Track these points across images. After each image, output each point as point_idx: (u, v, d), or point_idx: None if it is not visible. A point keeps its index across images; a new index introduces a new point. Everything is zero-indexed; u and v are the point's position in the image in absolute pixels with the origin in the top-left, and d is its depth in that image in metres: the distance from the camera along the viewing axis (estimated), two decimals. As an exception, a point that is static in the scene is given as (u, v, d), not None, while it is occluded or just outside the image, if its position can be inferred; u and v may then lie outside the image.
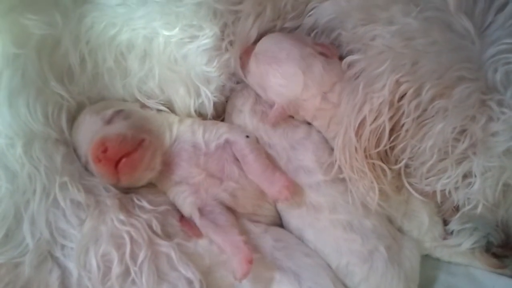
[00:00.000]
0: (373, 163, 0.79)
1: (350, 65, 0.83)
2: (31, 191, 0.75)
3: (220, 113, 0.95)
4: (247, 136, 0.87)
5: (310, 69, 0.85)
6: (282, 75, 0.85)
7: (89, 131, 0.81)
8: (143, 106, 0.88)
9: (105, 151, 0.76)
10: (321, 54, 0.87)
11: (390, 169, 0.80)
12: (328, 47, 0.89)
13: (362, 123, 0.78)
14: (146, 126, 0.84)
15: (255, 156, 0.84)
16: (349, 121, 0.79)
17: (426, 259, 0.90)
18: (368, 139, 0.77)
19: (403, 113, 0.75)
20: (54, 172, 0.77)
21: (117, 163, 0.77)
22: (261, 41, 0.89)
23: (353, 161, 0.79)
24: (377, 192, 0.80)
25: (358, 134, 0.78)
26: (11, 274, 0.72)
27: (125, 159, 0.77)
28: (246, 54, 0.90)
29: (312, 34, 0.91)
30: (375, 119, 0.76)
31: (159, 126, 0.86)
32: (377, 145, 0.78)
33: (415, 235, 0.89)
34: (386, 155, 0.80)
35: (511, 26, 0.74)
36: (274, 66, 0.86)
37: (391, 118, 0.76)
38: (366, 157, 0.79)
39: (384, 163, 0.79)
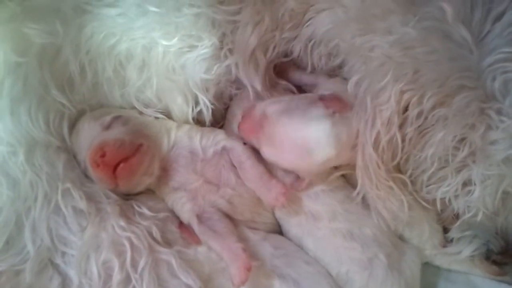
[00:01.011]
0: (393, 177, 0.78)
1: (356, 85, 0.81)
2: (32, 198, 0.75)
3: (219, 120, 0.95)
4: (245, 143, 0.86)
5: (338, 140, 0.79)
6: (316, 163, 0.80)
7: (88, 137, 0.81)
8: (142, 113, 0.89)
9: (103, 156, 0.76)
10: (335, 112, 0.81)
11: (409, 179, 0.79)
12: (337, 99, 0.83)
13: (377, 138, 0.76)
14: (144, 131, 0.84)
15: (252, 162, 0.84)
16: (365, 138, 0.77)
17: (426, 266, 0.90)
18: (385, 153, 0.76)
19: (407, 122, 0.75)
20: (56, 179, 0.77)
21: (115, 168, 0.77)
22: (275, 131, 0.81)
23: (378, 178, 0.78)
24: (406, 204, 0.78)
25: (376, 149, 0.77)
26: (12, 282, 0.72)
27: (123, 164, 0.77)
28: (252, 132, 0.84)
29: (310, 44, 0.91)
30: (388, 131, 0.75)
31: (157, 131, 0.86)
32: (394, 157, 0.77)
33: (415, 243, 0.89)
34: (399, 167, 0.79)
35: (509, 35, 0.74)
36: (308, 159, 0.79)
37: (400, 128, 0.76)
38: (388, 171, 0.78)
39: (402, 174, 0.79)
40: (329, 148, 0.79)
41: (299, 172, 0.84)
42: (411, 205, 0.83)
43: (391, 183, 0.78)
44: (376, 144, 0.77)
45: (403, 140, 0.76)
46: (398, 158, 0.77)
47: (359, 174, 0.80)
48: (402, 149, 0.77)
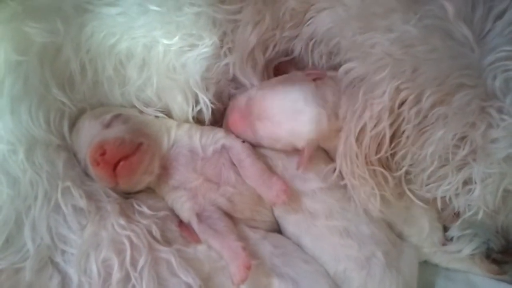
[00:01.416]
0: (374, 170, 0.79)
1: (347, 72, 0.83)
2: (32, 196, 0.75)
3: (218, 119, 0.95)
4: (243, 141, 0.87)
5: (324, 99, 0.84)
6: (310, 122, 0.82)
7: (88, 135, 0.81)
8: (142, 111, 0.89)
9: (103, 154, 0.76)
10: (315, 80, 0.87)
11: (391, 175, 0.80)
12: (315, 70, 0.90)
13: (362, 130, 0.78)
14: (144, 130, 0.84)
15: (252, 160, 0.84)
16: (350, 128, 0.80)
17: (425, 265, 0.90)
18: (369, 146, 0.78)
19: (403, 119, 0.75)
20: (56, 178, 0.77)
21: (115, 166, 0.77)
22: (262, 105, 0.85)
23: (354, 168, 0.79)
24: (378, 198, 0.80)
25: (358, 140, 0.79)
26: (11, 280, 0.72)
27: (123, 162, 0.77)
28: (241, 121, 0.87)
29: (311, 43, 0.91)
30: (375, 126, 0.76)
31: (157, 130, 0.87)
32: (378, 151, 0.78)
33: (414, 241, 0.89)
34: (388, 162, 0.80)
35: (510, 33, 0.74)
36: (299, 118, 0.82)
37: (391, 124, 0.76)
38: (367, 163, 0.79)
39: (385, 169, 0.80)
40: (316, 107, 0.83)
41: (297, 143, 0.84)
42: (410, 204, 0.84)
43: (366, 175, 0.79)
44: (360, 135, 0.78)
45: (399, 137, 0.77)
46: (382, 153, 0.78)
47: (338, 159, 0.82)
48: (396, 146, 0.77)
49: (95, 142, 0.78)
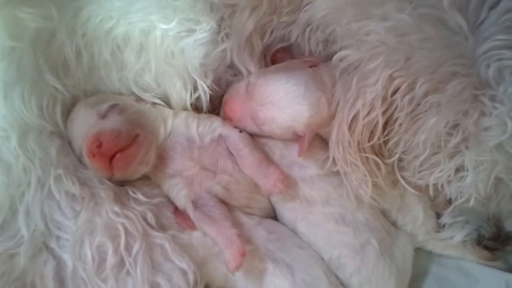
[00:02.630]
0: (367, 157, 0.80)
1: (341, 60, 0.83)
2: (26, 183, 0.75)
3: (216, 107, 0.94)
4: (241, 131, 0.87)
5: (323, 84, 0.85)
6: (311, 107, 0.83)
7: (84, 125, 0.81)
8: (138, 99, 0.88)
9: (99, 146, 0.76)
10: (311, 67, 0.88)
11: (384, 163, 0.81)
12: (310, 57, 0.91)
13: (355, 118, 0.78)
14: (140, 120, 0.84)
15: (249, 150, 0.84)
16: (343, 115, 0.80)
17: (419, 252, 0.91)
18: (361, 133, 0.78)
19: (396, 107, 0.76)
20: (49, 164, 0.77)
21: (111, 158, 0.77)
22: (266, 90, 0.85)
23: (346, 155, 0.80)
24: (370, 185, 0.80)
25: (351, 128, 0.79)
26: (6, 265, 0.72)
27: (120, 154, 0.77)
28: (241, 107, 0.87)
29: (308, 29, 0.91)
30: (368, 114, 0.77)
31: (153, 120, 0.86)
32: (370, 139, 0.78)
33: (409, 229, 0.90)
34: (380, 149, 0.81)
35: (504, 22, 0.74)
36: (302, 102, 0.83)
37: (384, 112, 0.77)
38: (359, 150, 0.79)
39: (378, 157, 0.80)
40: (316, 91, 0.84)
41: (298, 128, 0.85)
42: (404, 192, 0.86)
43: (358, 162, 0.79)
44: (353, 123, 0.79)
45: (392, 124, 0.77)
46: (375, 140, 0.78)
47: (331, 146, 0.82)
48: (389, 133, 0.78)
49: (91, 133, 0.78)
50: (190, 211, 0.81)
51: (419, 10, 0.77)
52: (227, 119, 0.89)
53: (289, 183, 0.84)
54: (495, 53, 0.73)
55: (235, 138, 0.86)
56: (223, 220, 0.79)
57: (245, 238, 0.78)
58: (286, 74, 0.85)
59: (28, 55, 0.79)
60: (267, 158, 0.85)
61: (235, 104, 0.88)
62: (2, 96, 0.77)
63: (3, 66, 0.77)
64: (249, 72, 0.92)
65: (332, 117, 0.84)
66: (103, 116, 0.82)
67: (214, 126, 0.87)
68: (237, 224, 0.81)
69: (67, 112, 0.84)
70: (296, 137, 0.86)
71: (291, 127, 0.85)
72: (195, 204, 0.81)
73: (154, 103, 0.90)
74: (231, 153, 0.86)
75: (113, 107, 0.83)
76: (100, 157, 0.76)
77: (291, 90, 0.83)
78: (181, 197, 0.83)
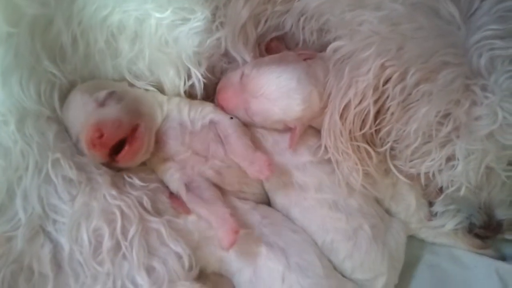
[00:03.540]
0: (358, 146, 0.81)
1: (335, 50, 0.84)
2: (23, 167, 0.76)
3: (210, 94, 0.95)
4: (231, 118, 0.87)
5: (316, 78, 0.86)
6: (303, 101, 0.84)
7: (82, 112, 0.81)
8: (131, 85, 0.88)
9: (100, 136, 0.76)
10: (306, 60, 0.88)
11: (375, 151, 0.81)
12: (306, 50, 0.92)
13: (347, 106, 0.79)
14: (139, 108, 0.84)
15: (237, 135, 0.85)
16: (335, 104, 0.81)
17: (412, 239, 0.92)
18: (353, 122, 0.79)
19: (388, 96, 0.76)
20: (47, 149, 0.78)
21: (111, 148, 0.77)
22: (259, 83, 0.86)
23: (338, 143, 0.81)
24: (360, 173, 0.81)
25: (343, 117, 0.80)
26: (3, 247, 0.73)
27: (127, 148, 0.78)
28: (234, 97, 0.88)
29: (302, 19, 0.92)
30: (359, 103, 0.78)
31: (151, 106, 0.86)
32: (362, 127, 0.79)
33: (402, 217, 0.91)
34: (372, 138, 0.81)
35: (497, 12, 0.75)
36: (293, 96, 0.84)
37: (376, 101, 0.77)
38: (351, 139, 0.80)
39: (369, 145, 0.81)
40: (308, 85, 0.85)
41: (289, 121, 0.86)
42: (397, 181, 0.86)
43: (350, 151, 0.80)
44: (344, 112, 0.79)
45: (383, 114, 0.78)
46: (366, 129, 0.79)
47: (323, 135, 0.83)
48: (381, 122, 0.79)
49: (91, 123, 0.78)
50: (183, 193, 0.81)
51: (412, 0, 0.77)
52: (219, 107, 0.90)
53: (281, 170, 0.85)
54: (487, 43, 0.73)
55: (225, 124, 0.86)
56: (215, 200, 0.80)
57: (239, 222, 0.78)
58: (279, 68, 0.85)
59: (25, 41, 0.79)
60: (255, 145, 0.85)
61: (228, 94, 0.88)
62: (0, 82, 0.77)
63: (1, 52, 0.77)
64: (244, 60, 0.93)
65: (324, 109, 0.85)
66: (102, 104, 0.81)
67: (205, 111, 0.88)
68: (231, 208, 0.81)
69: (65, 97, 0.84)
70: (288, 129, 0.87)
71: (282, 120, 0.86)
72: (188, 187, 0.82)
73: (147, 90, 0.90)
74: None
75: (111, 94, 0.83)
76: (101, 147, 0.77)
77: (283, 84, 0.84)
78: (174, 180, 0.83)
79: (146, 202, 0.80)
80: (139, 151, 0.80)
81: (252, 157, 0.82)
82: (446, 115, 0.74)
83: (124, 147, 0.79)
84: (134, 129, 0.80)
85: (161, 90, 0.91)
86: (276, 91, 0.84)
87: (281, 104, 0.84)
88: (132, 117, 0.81)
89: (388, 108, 0.77)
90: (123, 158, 0.78)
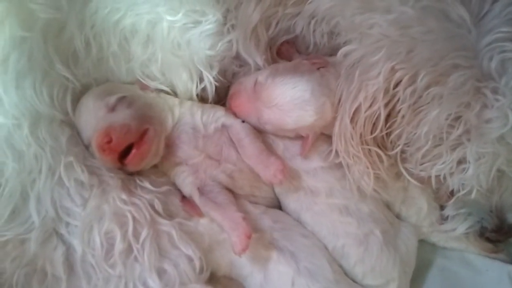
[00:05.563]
0: (369, 149, 0.81)
1: (346, 55, 0.84)
2: (37, 170, 0.76)
3: (222, 98, 0.95)
4: (243, 121, 0.88)
5: (328, 89, 0.86)
6: (316, 112, 0.84)
7: (93, 117, 0.82)
8: (143, 87, 0.89)
9: (109, 141, 0.77)
10: (319, 68, 0.88)
11: (386, 155, 0.81)
12: (319, 57, 0.91)
13: (357, 110, 0.79)
14: (149, 113, 0.84)
15: (250, 139, 0.85)
16: (345, 108, 0.81)
17: (423, 243, 0.92)
18: (364, 126, 0.79)
19: (398, 100, 0.76)
20: (60, 152, 0.78)
21: (120, 153, 0.78)
22: (273, 93, 0.85)
23: (348, 147, 0.81)
24: (372, 177, 0.81)
25: (353, 120, 0.80)
26: (17, 250, 0.73)
27: (134, 151, 0.79)
28: (247, 105, 0.88)
29: (313, 21, 0.92)
30: (370, 106, 0.78)
31: (161, 110, 0.87)
32: (373, 131, 0.79)
33: (413, 221, 0.91)
34: (383, 141, 0.81)
35: (507, 15, 0.75)
36: (306, 108, 0.84)
37: (386, 104, 0.77)
38: (361, 143, 0.80)
39: (380, 149, 0.81)
40: (321, 97, 0.85)
41: (301, 130, 0.86)
42: (408, 185, 0.86)
43: (361, 154, 0.80)
44: (355, 116, 0.79)
45: (394, 117, 0.78)
46: (377, 132, 0.79)
47: (334, 139, 0.83)
48: (392, 125, 0.79)
49: (101, 128, 0.78)
50: (196, 197, 0.82)
51: (422, 3, 0.77)
52: (232, 112, 0.90)
53: (292, 174, 0.85)
54: (498, 45, 0.73)
55: (237, 127, 0.87)
56: (228, 204, 0.80)
57: (251, 226, 0.78)
58: (294, 79, 0.85)
59: (39, 45, 0.79)
60: (269, 149, 0.86)
61: (241, 101, 0.88)
62: (14, 86, 0.78)
63: (15, 56, 0.78)
64: (256, 63, 0.93)
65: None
66: (112, 109, 0.82)
67: (217, 115, 0.88)
68: (243, 212, 0.81)
69: (77, 101, 0.85)
70: (300, 136, 0.88)
71: (294, 129, 0.86)
72: (201, 190, 0.82)
73: (160, 91, 0.90)
74: (234, 143, 0.87)
75: (121, 99, 0.83)
76: (110, 152, 0.77)
77: (297, 95, 0.84)
78: (187, 184, 0.83)
79: (158, 205, 0.80)
80: (147, 155, 0.81)
81: (266, 161, 0.83)
82: (457, 118, 0.74)
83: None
84: (143, 134, 0.80)
85: (173, 93, 0.91)
86: (290, 103, 0.84)
87: (294, 115, 0.84)
88: (141, 122, 0.81)
89: (399, 111, 0.77)
90: (130, 162, 0.79)
